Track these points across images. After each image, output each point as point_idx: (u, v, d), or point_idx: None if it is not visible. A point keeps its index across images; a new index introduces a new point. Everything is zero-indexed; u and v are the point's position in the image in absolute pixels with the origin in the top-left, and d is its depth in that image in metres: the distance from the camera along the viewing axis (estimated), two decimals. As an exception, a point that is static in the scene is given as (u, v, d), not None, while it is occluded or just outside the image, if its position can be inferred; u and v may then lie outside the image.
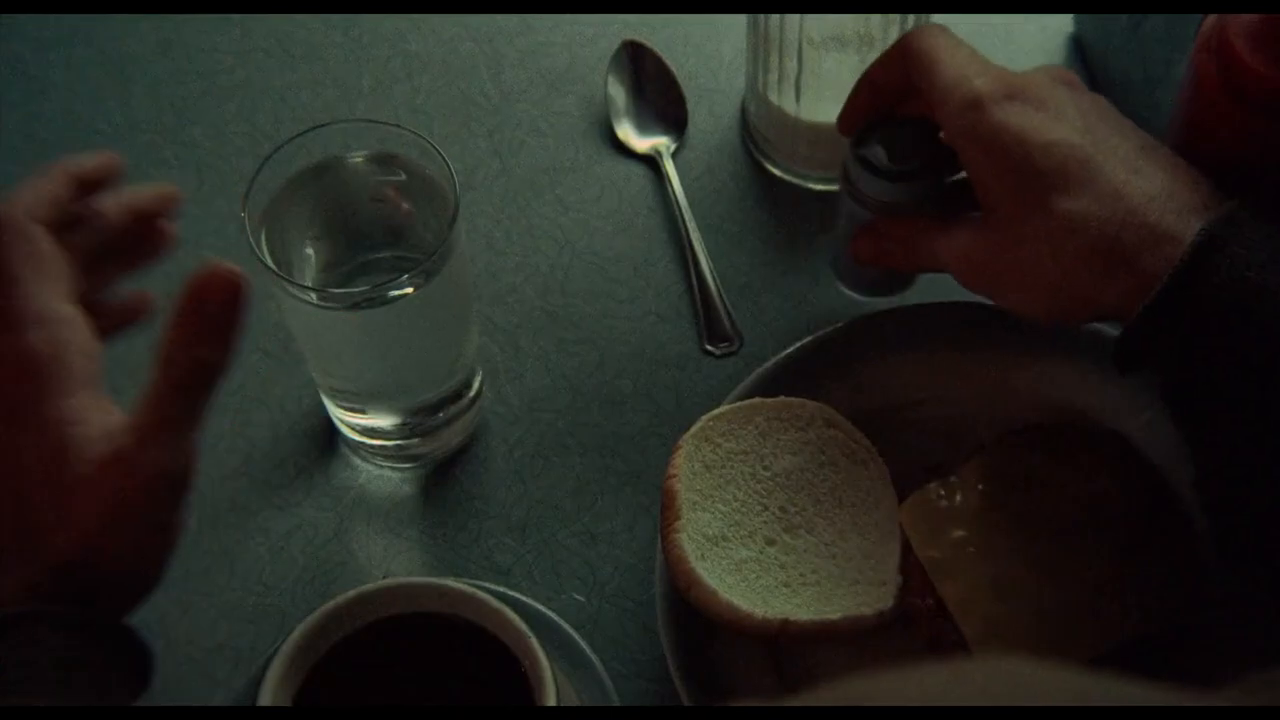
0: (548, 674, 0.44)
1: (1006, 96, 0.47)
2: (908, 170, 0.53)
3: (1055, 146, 0.46)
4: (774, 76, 0.63)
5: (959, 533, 0.51)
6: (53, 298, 0.43)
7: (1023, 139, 0.46)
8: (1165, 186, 0.44)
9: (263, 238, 0.52)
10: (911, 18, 0.60)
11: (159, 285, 0.65)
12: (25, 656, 0.39)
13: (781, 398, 0.55)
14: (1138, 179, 0.44)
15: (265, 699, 0.44)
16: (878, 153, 0.53)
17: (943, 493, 0.52)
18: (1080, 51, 0.72)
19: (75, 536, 0.41)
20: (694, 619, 0.52)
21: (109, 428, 0.42)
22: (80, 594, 0.41)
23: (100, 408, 0.42)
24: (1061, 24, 0.73)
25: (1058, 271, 0.45)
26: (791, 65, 0.62)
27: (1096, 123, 0.47)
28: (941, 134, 0.52)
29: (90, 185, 0.49)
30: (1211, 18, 0.52)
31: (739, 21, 0.66)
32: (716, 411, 0.54)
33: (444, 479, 0.60)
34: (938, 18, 0.63)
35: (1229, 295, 0.41)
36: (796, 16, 0.59)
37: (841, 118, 0.55)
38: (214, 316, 0.41)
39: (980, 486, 0.52)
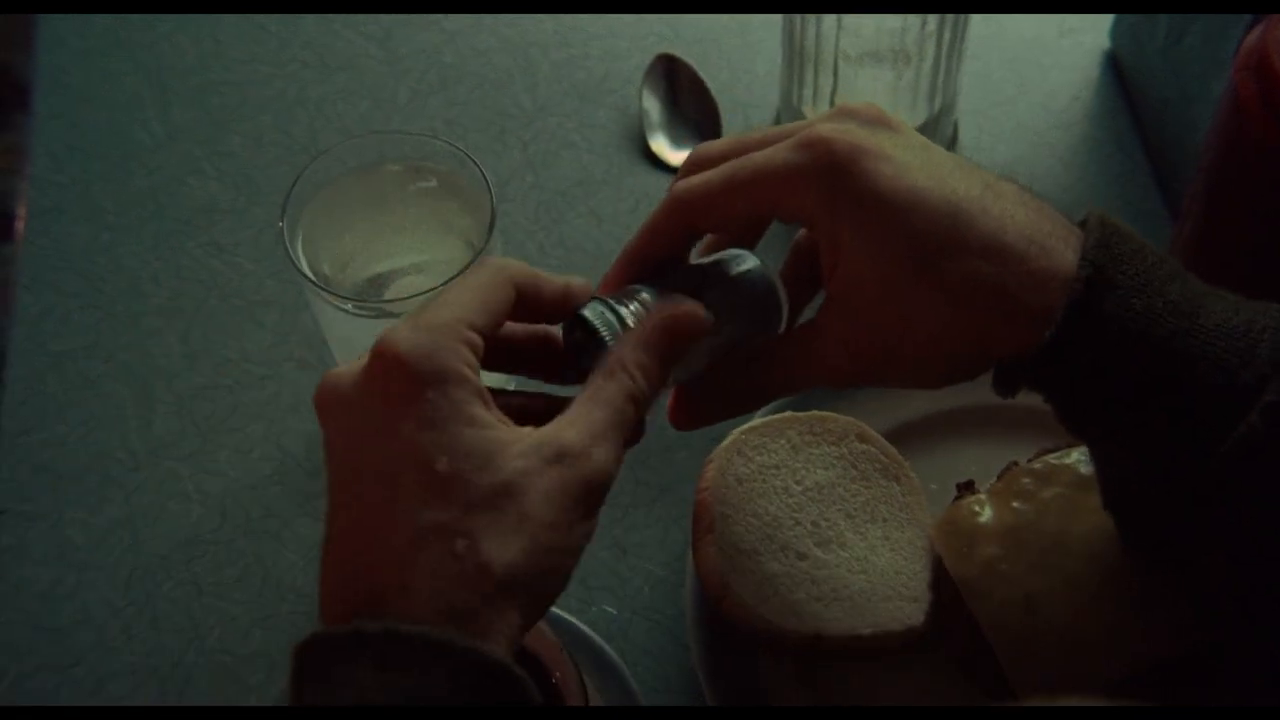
0: (578, 685, 0.45)
1: (850, 157, 0.42)
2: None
3: (924, 204, 0.42)
4: (809, 91, 0.64)
5: (991, 550, 0.51)
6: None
7: (891, 199, 0.42)
8: (1028, 223, 0.43)
9: (299, 247, 0.53)
10: (949, 30, 0.60)
11: (196, 291, 0.66)
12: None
13: (814, 412, 0.55)
14: (1006, 222, 0.42)
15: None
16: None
17: (976, 509, 0.52)
18: (1116, 68, 0.72)
19: (525, 543, 0.38)
20: (725, 632, 0.52)
21: (529, 432, 0.40)
22: (522, 609, 0.38)
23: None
24: (1097, 41, 0.73)
25: (954, 334, 0.43)
26: (827, 80, 0.62)
27: (936, 166, 0.43)
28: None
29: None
30: (1252, 36, 0.52)
31: (773, 35, 0.67)
32: (749, 425, 0.55)
33: (475, 489, 0.60)
34: (974, 30, 0.64)
35: (1118, 323, 0.41)
36: (832, 31, 0.60)
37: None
38: (679, 349, 0.43)
39: (1014, 504, 0.52)
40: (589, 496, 0.39)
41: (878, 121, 0.44)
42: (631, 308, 0.43)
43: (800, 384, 0.46)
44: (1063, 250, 0.42)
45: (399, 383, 0.38)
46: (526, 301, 0.42)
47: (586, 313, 0.43)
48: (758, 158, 0.44)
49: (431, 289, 0.50)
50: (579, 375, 0.42)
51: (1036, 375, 0.43)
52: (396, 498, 0.38)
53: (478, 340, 0.40)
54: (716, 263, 0.46)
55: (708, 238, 0.47)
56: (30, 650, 0.57)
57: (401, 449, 0.38)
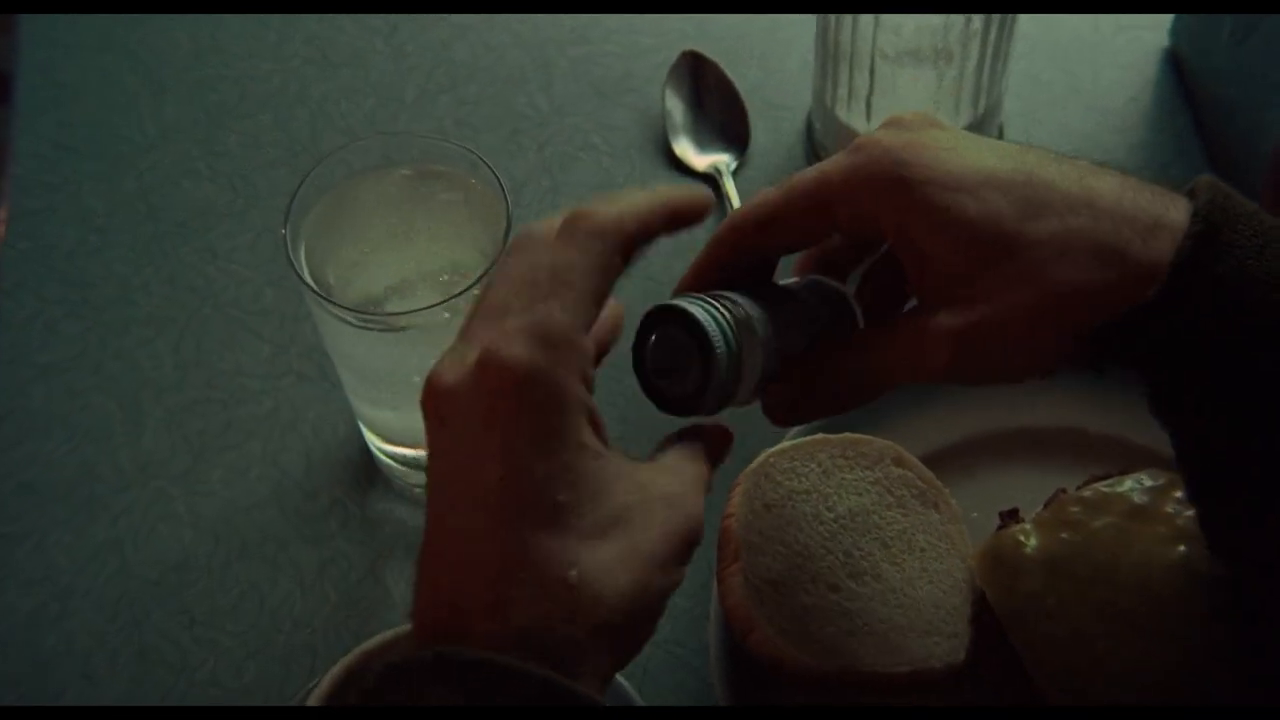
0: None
1: (907, 150, 0.44)
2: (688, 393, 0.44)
3: (994, 177, 0.44)
4: (843, 92, 0.65)
5: (1037, 583, 0.52)
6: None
7: (957, 178, 0.43)
8: (1115, 179, 0.44)
9: (302, 255, 0.54)
10: (995, 27, 0.61)
11: (189, 299, 0.68)
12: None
13: (847, 434, 0.56)
14: (1089, 178, 0.44)
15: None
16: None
17: (1020, 539, 0.53)
18: (1176, 68, 0.73)
19: (635, 577, 0.40)
20: (751, 668, 0.53)
21: (635, 467, 0.42)
22: (611, 654, 0.40)
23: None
24: (1156, 38, 0.74)
25: (1054, 301, 0.44)
26: (863, 81, 0.63)
27: (999, 148, 0.45)
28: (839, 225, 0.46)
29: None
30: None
31: (806, 33, 0.68)
32: (778, 447, 0.56)
33: (485, 514, 0.62)
34: (1022, 28, 0.65)
35: (1232, 285, 0.42)
36: (869, 29, 0.61)
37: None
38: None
39: (1061, 534, 0.53)
40: (688, 542, 0.42)
41: (930, 124, 0.46)
42: (728, 314, 0.44)
43: (898, 379, 0.47)
44: (1164, 205, 0.43)
45: (514, 402, 0.39)
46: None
47: (694, 313, 0.43)
48: (810, 170, 0.46)
49: (441, 301, 0.51)
50: (663, 382, 0.44)
51: (1134, 341, 0.43)
52: (507, 520, 0.39)
53: (592, 350, 0.41)
54: (786, 283, 0.48)
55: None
56: (10, 681, 0.58)
57: (516, 471, 0.39)
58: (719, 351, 0.43)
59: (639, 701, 0.53)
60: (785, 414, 0.48)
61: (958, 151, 0.44)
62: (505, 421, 0.39)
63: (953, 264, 0.44)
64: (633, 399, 0.45)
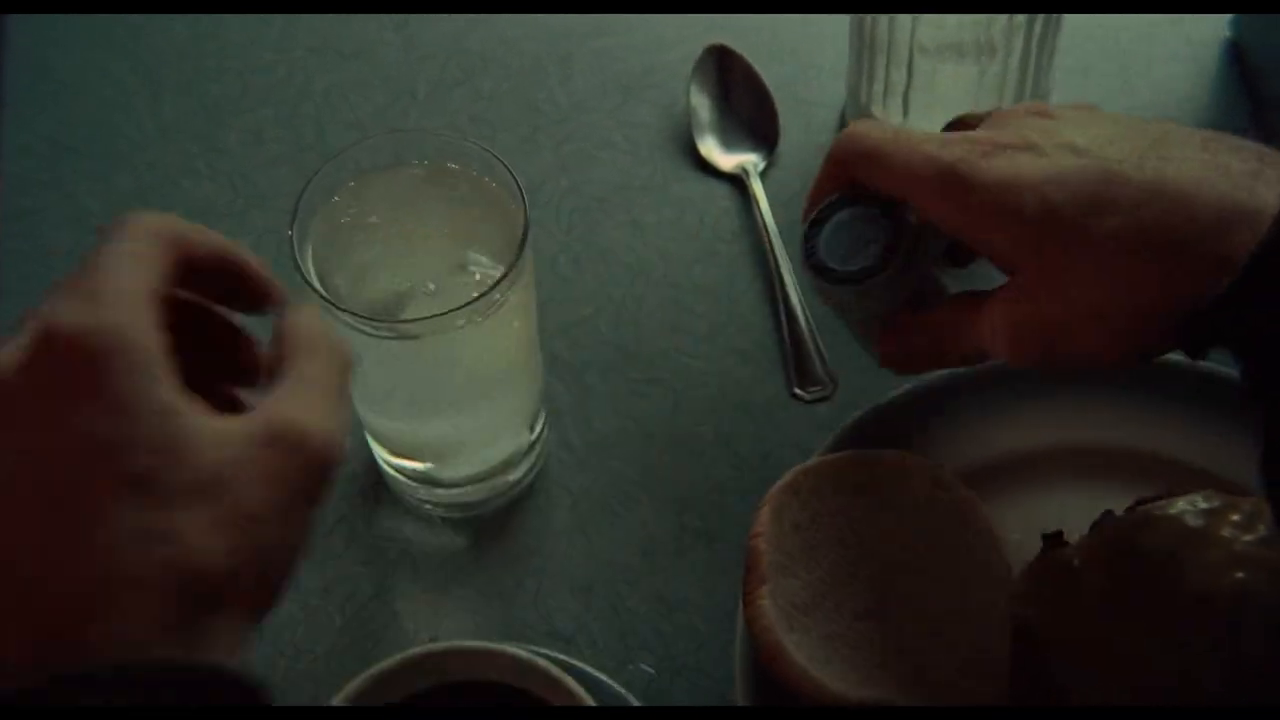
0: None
1: (982, 154, 0.48)
2: (869, 267, 0.51)
3: (1059, 176, 0.46)
4: (879, 88, 0.65)
5: (1083, 610, 0.52)
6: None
7: (1017, 186, 0.47)
8: (1203, 163, 0.45)
9: (309, 259, 0.54)
10: (1039, 23, 0.61)
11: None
12: None
13: (882, 451, 0.56)
14: (1168, 169, 0.45)
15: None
16: (838, 245, 0.52)
17: (1065, 564, 0.53)
18: (1238, 61, 0.72)
19: (238, 541, 0.37)
20: (778, 697, 0.53)
21: (233, 417, 0.39)
22: (222, 624, 0.38)
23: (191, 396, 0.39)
24: (1215, 29, 0.74)
25: (1121, 294, 0.46)
26: (900, 76, 0.63)
27: (1095, 132, 0.48)
28: (915, 218, 0.52)
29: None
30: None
31: (839, 26, 0.68)
32: (807, 464, 0.56)
33: (500, 531, 0.62)
34: (1070, 19, 0.65)
35: None
36: (907, 21, 0.61)
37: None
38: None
39: (1108, 560, 0.53)
40: (310, 481, 0.39)
41: (1031, 113, 0.50)
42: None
43: (973, 360, 0.53)
44: (1252, 187, 0.44)
45: (76, 365, 0.37)
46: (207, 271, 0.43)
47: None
48: (909, 143, 0.50)
49: (458, 307, 0.52)
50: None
51: (1219, 327, 0.45)
52: (85, 502, 0.37)
53: (158, 308, 0.39)
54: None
55: None
56: None
57: (86, 445, 0.37)
58: (910, 221, 0.50)
59: (635, 702, 0.53)
60: (889, 359, 0.54)
61: (1032, 152, 0.47)
62: (69, 387, 0.37)
63: (1011, 260, 0.48)
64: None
